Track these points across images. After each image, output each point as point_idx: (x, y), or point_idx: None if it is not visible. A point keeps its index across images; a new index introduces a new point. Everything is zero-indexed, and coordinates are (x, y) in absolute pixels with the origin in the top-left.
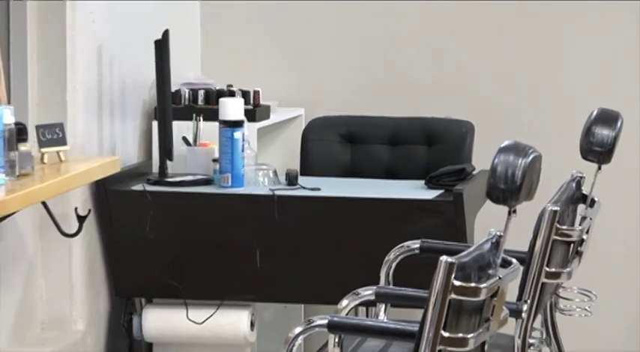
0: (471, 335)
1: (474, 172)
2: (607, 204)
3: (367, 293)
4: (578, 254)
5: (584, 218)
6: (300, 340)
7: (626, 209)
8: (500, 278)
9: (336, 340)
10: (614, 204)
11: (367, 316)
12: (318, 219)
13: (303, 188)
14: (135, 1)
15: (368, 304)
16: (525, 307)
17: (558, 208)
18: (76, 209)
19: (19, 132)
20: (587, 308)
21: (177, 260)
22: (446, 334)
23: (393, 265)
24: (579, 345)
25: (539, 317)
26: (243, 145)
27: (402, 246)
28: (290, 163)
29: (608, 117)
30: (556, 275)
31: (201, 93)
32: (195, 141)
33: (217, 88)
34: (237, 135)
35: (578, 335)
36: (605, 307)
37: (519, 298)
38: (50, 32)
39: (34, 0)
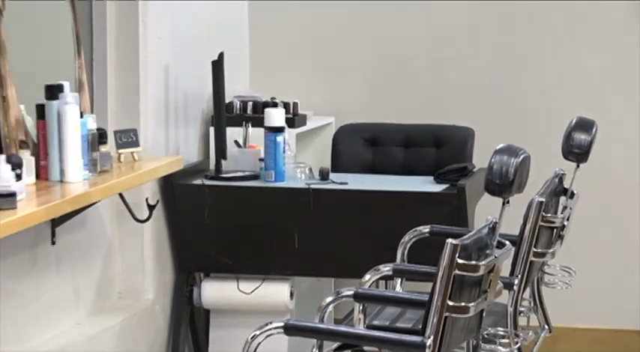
0: (472, 304)
1: (474, 170)
2: (584, 197)
3: (386, 269)
4: (560, 237)
5: (565, 207)
6: (330, 308)
7: (600, 200)
8: (495, 257)
9: (361, 308)
10: (590, 196)
11: (386, 288)
12: (345, 208)
13: (334, 182)
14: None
15: (387, 278)
16: (516, 281)
17: (544, 199)
18: (146, 199)
19: (100, 136)
20: (567, 282)
21: (230, 241)
22: (451, 303)
23: (407, 246)
24: (561, 313)
25: (528, 290)
26: (284, 147)
27: (415, 230)
28: (322, 162)
29: (585, 125)
30: (542, 255)
31: (250, 104)
32: (244, 143)
33: (263, 100)
34: (280, 139)
35: (561, 304)
36: (583, 281)
37: (511, 273)
38: (126, 53)
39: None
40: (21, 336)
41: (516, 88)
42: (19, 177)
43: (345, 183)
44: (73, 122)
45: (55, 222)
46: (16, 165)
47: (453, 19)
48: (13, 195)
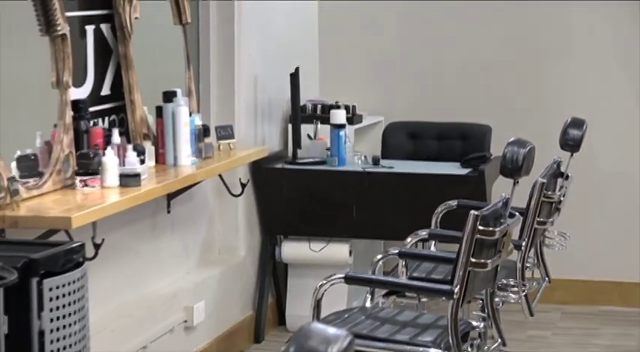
0: (489, 260)
1: (491, 158)
2: (576, 178)
3: (423, 233)
4: (558, 210)
5: (561, 187)
6: (380, 263)
7: (588, 182)
8: (508, 224)
9: (403, 263)
10: (581, 178)
11: (423, 248)
12: (392, 186)
13: (383, 166)
14: (276, 45)
15: (423, 241)
16: (523, 243)
17: (545, 180)
18: (239, 179)
19: (205, 131)
20: (563, 244)
21: (303, 211)
22: (473, 260)
23: (439, 216)
24: (558, 267)
25: (532, 250)
26: (345, 139)
27: (445, 204)
28: (374, 151)
29: (577, 123)
30: (543, 223)
31: (319, 106)
32: (315, 136)
33: (329, 103)
34: (342, 133)
35: (558, 261)
36: (575, 242)
37: (520, 237)
38: (225, 67)
39: (214, 47)
40: (145, 283)
41: (525, 93)
42: (142, 161)
43: (392, 167)
44: (184, 119)
45: (170, 196)
46: (140, 152)
47: (476, 41)
48: (138, 175)
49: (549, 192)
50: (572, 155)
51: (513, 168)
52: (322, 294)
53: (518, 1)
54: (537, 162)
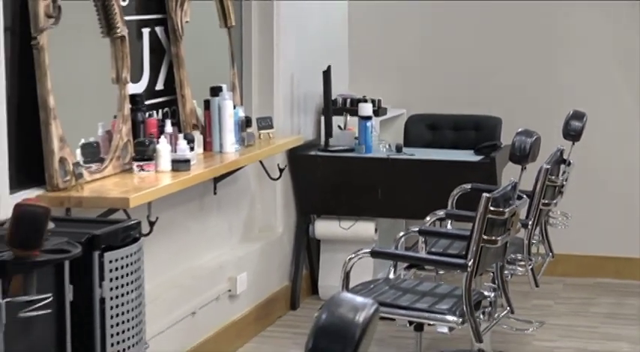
0: (500, 237)
1: (502, 146)
2: (577, 165)
3: (441, 213)
4: (561, 192)
5: (564, 172)
6: (402, 239)
7: (587, 167)
8: (516, 206)
9: (423, 240)
10: (581, 165)
11: (440, 227)
12: (412, 172)
13: (405, 154)
14: (310, 46)
15: (441, 220)
16: (530, 222)
17: (549, 166)
18: (278, 164)
19: (247, 121)
20: (565, 223)
21: (334, 193)
22: (485, 237)
23: (455, 198)
24: (561, 244)
25: (538, 228)
26: (371, 130)
27: (460, 187)
28: (397, 140)
29: (578, 115)
30: (547, 205)
31: (348, 100)
32: (344, 127)
33: (357, 97)
34: (369, 124)
35: (560, 238)
36: (576, 222)
37: (527, 217)
38: (265, 66)
39: (256, 48)
40: (194, 256)
41: (532, 89)
42: (192, 148)
43: (413, 155)
44: (229, 112)
45: (216, 180)
46: (190, 140)
47: (487, 43)
48: (188, 161)
49: (553, 177)
50: (573, 144)
51: (521, 156)
52: (351, 267)
53: (530, 2)
54: (542, 150)
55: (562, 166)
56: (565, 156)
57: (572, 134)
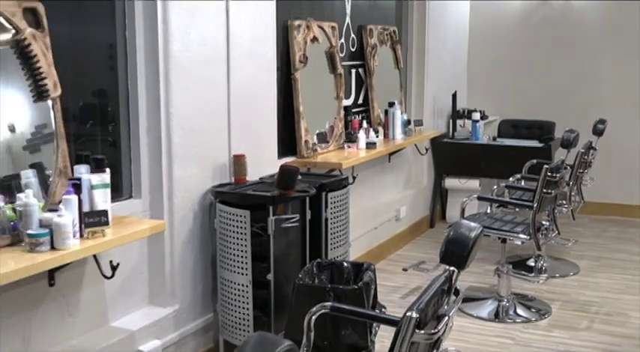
0: (553, 191)
1: (555, 138)
2: (600, 150)
3: (518, 176)
4: (589, 166)
5: (592, 154)
6: (495, 190)
7: (605, 152)
8: (563, 173)
9: (507, 191)
10: (602, 150)
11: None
12: (502, 152)
13: (498, 142)
14: (445, 71)
15: (518, 180)
16: (571, 183)
17: (583, 150)
18: (425, 146)
19: (408, 122)
20: (591, 183)
21: (456, 163)
22: (544, 190)
23: (527, 168)
24: (589, 195)
25: (575, 186)
26: (479, 128)
27: (530, 161)
28: (493, 133)
29: (602, 121)
30: (582, 173)
31: (466, 110)
32: (463, 126)
33: (471, 108)
34: (477, 125)
35: (589, 191)
36: (597, 183)
37: (569, 179)
38: (418, 90)
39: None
40: (377, 197)
41: (575, 103)
42: (377, 136)
43: (502, 142)
44: (398, 116)
45: (390, 154)
46: (376, 132)
47: (550, 73)
48: (374, 143)
49: (585, 157)
50: (598, 138)
51: (567, 144)
52: (465, 205)
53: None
54: (580, 140)
55: (591, 151)
56: (593, 145)
57: (598, 132)
